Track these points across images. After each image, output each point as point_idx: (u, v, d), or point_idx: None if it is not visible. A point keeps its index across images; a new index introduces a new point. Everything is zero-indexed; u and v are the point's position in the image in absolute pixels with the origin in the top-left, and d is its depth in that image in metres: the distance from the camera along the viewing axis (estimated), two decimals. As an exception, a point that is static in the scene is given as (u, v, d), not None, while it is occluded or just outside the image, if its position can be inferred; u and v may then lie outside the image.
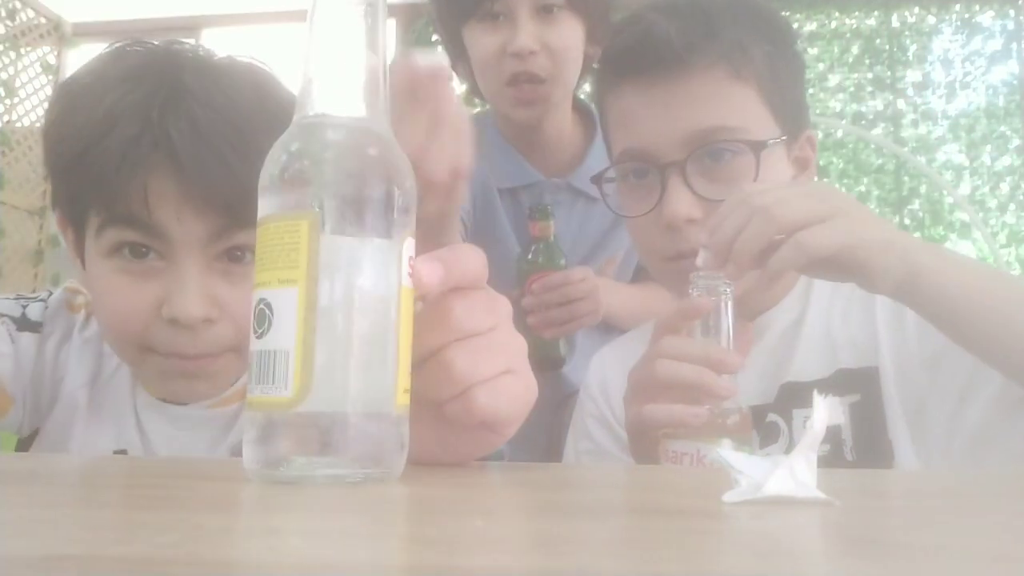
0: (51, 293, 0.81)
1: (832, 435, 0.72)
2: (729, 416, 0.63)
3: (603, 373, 0.90)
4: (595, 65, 0.96)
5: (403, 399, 0.40)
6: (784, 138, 0.78)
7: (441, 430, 0.44)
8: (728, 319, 0.64)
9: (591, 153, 1.18)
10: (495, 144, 1.18)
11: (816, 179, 0.85)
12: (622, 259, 1.21)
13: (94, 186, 0.66)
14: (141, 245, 0.67)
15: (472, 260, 0.44)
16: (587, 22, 1.08)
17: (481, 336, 0.43)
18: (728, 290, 0.64)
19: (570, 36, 1.07)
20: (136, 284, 0.67)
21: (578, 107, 1.21)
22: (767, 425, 0.75)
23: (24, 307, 0.78)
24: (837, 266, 0.60)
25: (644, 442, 0.67)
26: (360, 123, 0.42)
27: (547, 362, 1.09)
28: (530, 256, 1.09)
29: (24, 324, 0.76)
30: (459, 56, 1.13)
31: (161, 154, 0.64)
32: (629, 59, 0.80)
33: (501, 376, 0.44)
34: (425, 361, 0.42)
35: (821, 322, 0.80)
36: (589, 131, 1.20)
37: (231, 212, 0.65)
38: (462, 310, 0.43)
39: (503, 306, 0.46)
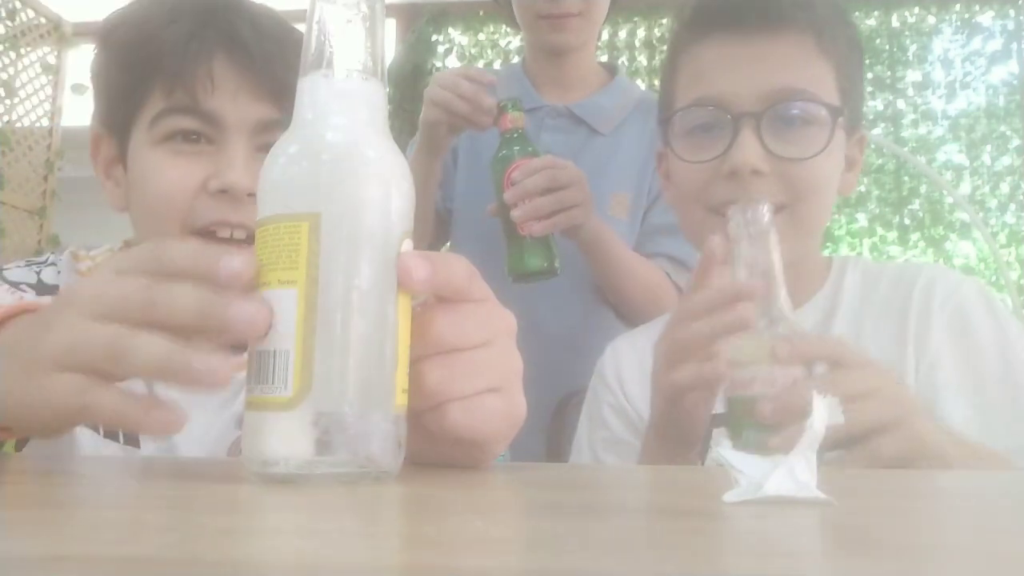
0: (53, 255, 0.82)
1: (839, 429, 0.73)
2: (778, 325, 0.61)
3: (617, 362, 0.90)
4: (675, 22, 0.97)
5: (401, 399, 0.40)
6: (849, 124, 0.80)
7: (429, 438, 0.44)
8: (769, 252, 0.61)
9: (601, 93, 1.24)
10: (513, 75, 1.28)
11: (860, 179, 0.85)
12: (631, 206, 1.20)
13: (157, 71, 0.72)
14: (194, 132, 0.72)
15: (457, 266, 0.43)
16: None
17: (464, 352, 0.42)
18: (768, 217, 0.61)
19: None
20: (187, 162, 0.72)
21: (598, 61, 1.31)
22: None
23: (38, 272, 0.79)
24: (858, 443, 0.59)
25: (678, 412, 0.66)
26: (357, 126, 0.42)
27: (537, 269, 1.00)
28: (503, 151, 1.03)
29: (43, 289, 0.78)
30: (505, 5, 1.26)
31: (224, 43, 0.71)
32: (726, 12, 0.81)
33: (481, 395, 0.43)
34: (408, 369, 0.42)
35: (851, 328, 0.80)
36: (605, 78, 1.27)
37: (281, 103, 0.71)
38: (444, 324, 0.42)
39: (501, 321, 0.45)
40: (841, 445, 0.58)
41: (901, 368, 0.75)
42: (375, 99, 0.43)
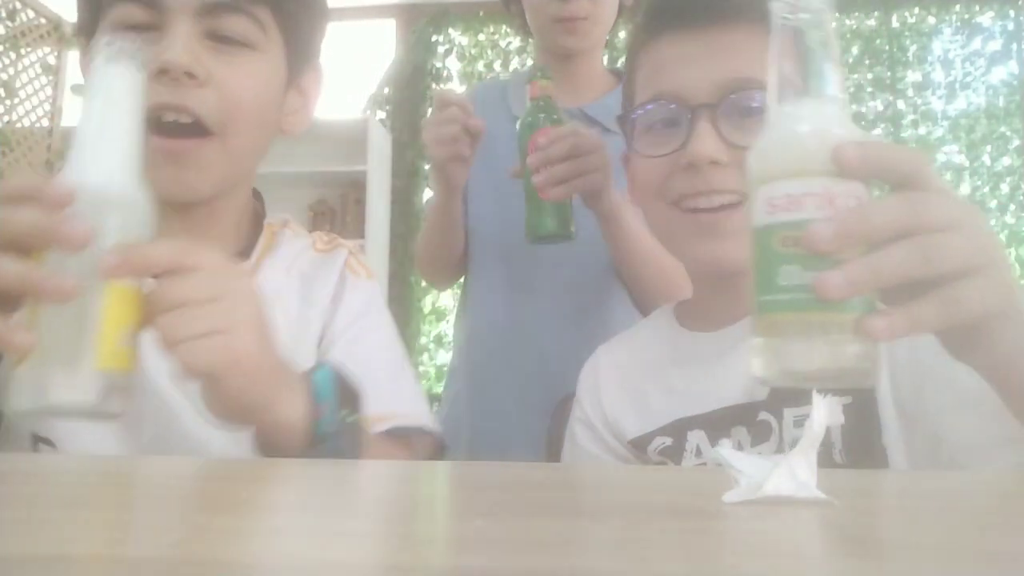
0: None
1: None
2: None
3: (596, 376, 0.89)
4: (632, 20, 0.99)
5: (109, 360, 0.51)
6: None
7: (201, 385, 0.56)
8: (827, 49, 0.47)
9: (611, 94, 1.25)
10: (523, 80, 1.28)
11: None
12: None
13: None
14: (143, 26, 0.71)
15: (156, 250, 0.54)
16: None
17: (188, 307, 0.53)
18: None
19: None
20: None
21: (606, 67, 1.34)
22: (759, 424, 0.74)
23: None
24: (961, 330, 0.48)
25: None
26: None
27: (552, 232, 1.03)
28: (530, 118, 1.06)
29: None
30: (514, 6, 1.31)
31: None
32: (677, 9, 0.81)
33: (205, 336, 0.53)
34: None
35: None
36: (613, 82, 1.29)
37: None
38: (168, 288, 0.53)
39: (231, 281, 0.57)
40: (920, 289, 0.44)
41: None
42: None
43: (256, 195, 0.90)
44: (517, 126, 1.08)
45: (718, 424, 0.77)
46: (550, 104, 1.07)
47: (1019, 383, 0.53)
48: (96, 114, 0.53)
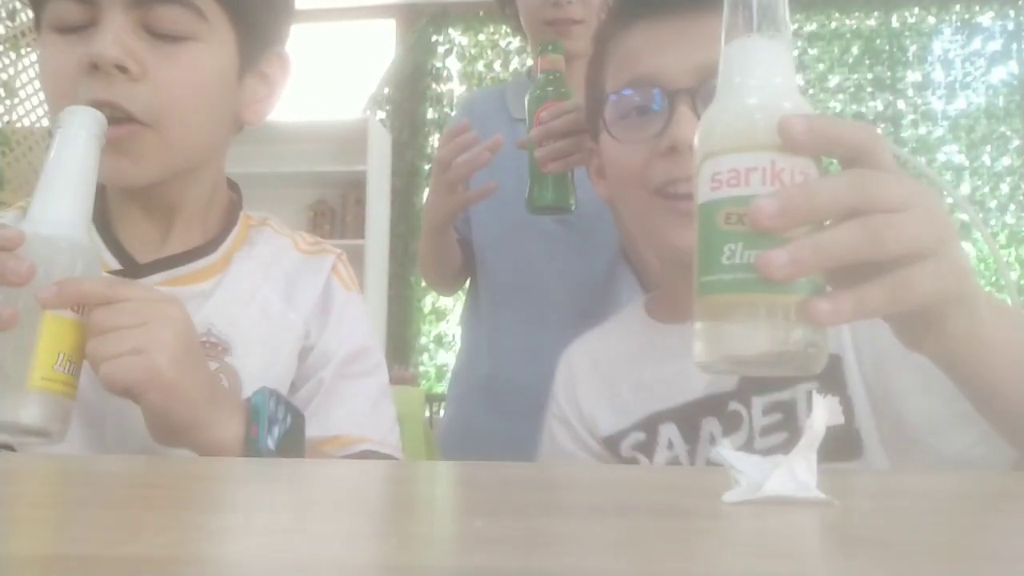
0: None
1: (789, 423, 0.70)
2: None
3: (571, 370, 0.88)
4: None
5: (45, 383, 0.58)
6: None
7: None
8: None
9: None
10: (519, 84, 1.34)
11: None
12: None
13: None
14: (80, 23, 0.70)
15: (89, 284, 0.60)
16: None
17: (117, 331, 0.59)
18: None
19: None
20: (68, 43, 0.70)
21: None
22: (729, 414, 0.73)
23: None
24: (913, 317, 0.48)
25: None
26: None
27: (552, 204, 1.05)
28: (538, 91, 1.08)
29: None
30: (507, 1, 1.33)
31: None
32: None
33: (125, 355, 0.59)
34: None
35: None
36: None
37: None
38: (98, 316, 0.59)
39: (157, 309, 0.61)
40: (869, 272, 0.43)
41: (837, 336, 0.72)
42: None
43: (233, 186, 0.89)
44: (526, 100, 1.09)
45: (689, 417, 0.76)
46: (558, 78, 1.08)
47: (973, 371, 0.52)
48: (53, 173, 0.62)
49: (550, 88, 1.07)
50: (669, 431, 0.77)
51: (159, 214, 0.79)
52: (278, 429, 0.66)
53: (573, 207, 1.06)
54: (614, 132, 0.80)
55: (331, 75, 4.23)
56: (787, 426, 0.70)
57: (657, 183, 0.76)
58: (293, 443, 0.67)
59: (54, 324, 0.59)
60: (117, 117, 0.68)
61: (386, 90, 4.27)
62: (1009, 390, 0.52)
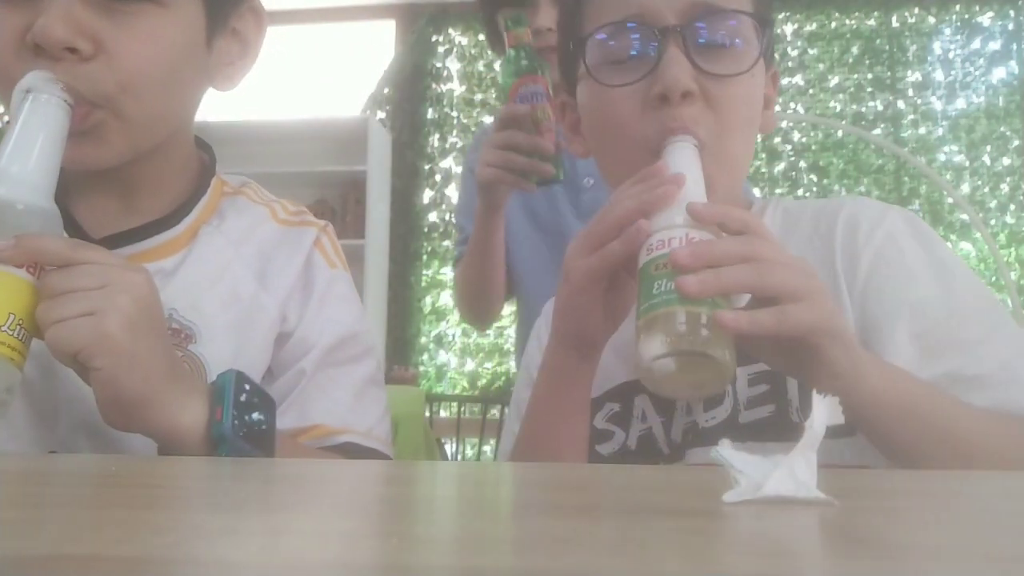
0: None
1: (777, 395, 0.69)
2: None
3: (547, 321, 0.82)
4: None
5: None
6: (766, 57, 0.74)
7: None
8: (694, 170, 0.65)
9: None
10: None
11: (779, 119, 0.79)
12: None
13: None
14: None
15: (48, 242, 0.57)
16: None
17: (71, 294, 0.55)
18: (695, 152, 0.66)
19: None
20: (10, 9, 0.63)
21: None
22: None
23: None
24: (794, 346, 0.58)
25: (582, 303, 0.66)
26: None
27: (539, 176, 1.09)
28: (511, 66, 1.10)
29: None
30: (496, 40, 1.32)
31: None
32: None
33: (76, 318, 0.54)
34: None
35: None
36: None
37: None
38: (53, 278, 0.56)
39: (117, 274, 0.57)
40: (753, 305, 0.58)
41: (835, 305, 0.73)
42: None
43: (204, 146, 0.80)
44: (499, 78, 1.15)
45: None
46: (528, 51, 1.10)
47: (855, 401, 0.60)
48: (13, 138, 0.59)
49: (523, 62, 1.09)
50: (642, 403, 0.75)
51: (120, 184, 0.72)
52: (245, 413, 0.61)
53: (560, 177, 1.10)
54: (598, 76, 0.73)
55: (331, 75, 4.23)
56: (774, 398, 0.69)
57: (651, 141, 0.69)
58: (261, 431, 0.62)
59: (6, 281, 0.55)
60: (69, 102, 0.62)
61: (386, 90, 4.27)
62: (893, 427, 0.60)
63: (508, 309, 1.52)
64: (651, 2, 0.70)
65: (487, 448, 3.41)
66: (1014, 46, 3.79)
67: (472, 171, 1.24)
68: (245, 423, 0.61)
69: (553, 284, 0.91)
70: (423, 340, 4.19)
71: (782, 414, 0.68)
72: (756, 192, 3.77)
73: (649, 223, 0.61)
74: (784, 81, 3.86)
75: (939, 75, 3.85)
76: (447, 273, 4.07)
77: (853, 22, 3.96)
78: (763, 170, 3.94)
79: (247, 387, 0.62)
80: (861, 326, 0.70)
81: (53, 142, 0.60)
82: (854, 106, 3.91)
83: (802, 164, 3.92)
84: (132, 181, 0.72)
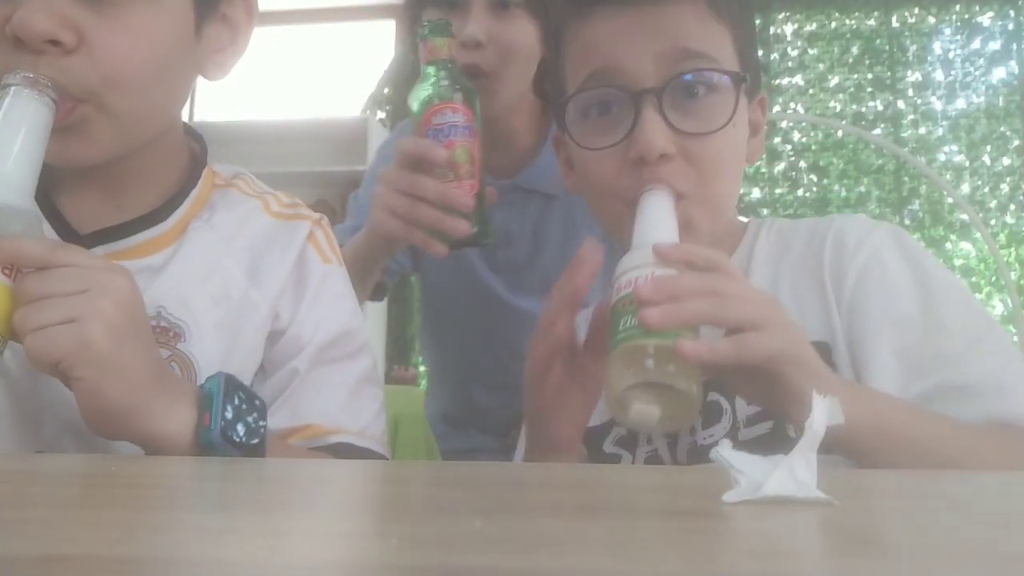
0: None
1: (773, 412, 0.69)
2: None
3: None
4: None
5: None
6: (750, 88, 0.76)
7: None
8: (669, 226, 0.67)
9: (542, 154, 1.12)
10: None
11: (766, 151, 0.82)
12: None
13: None
14: None
15: (28, 244, 0.54)
16: (543, 24, 1.01)
17: (49, 299, 0.53)
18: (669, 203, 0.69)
19: (522, 35, 1.02)
20: None
21: (536, 108, 1.13)
22: (709, 404, 0.71)
23: None
24: (759, 375, 0.59)
25: (545, 400, 0.68)
26: None
27: (467, 241, 0.86)
28: (428, 89, 0.85)
29: None
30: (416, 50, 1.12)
31: None
32: None
33: (54, 326, 0.52)
34: None
35: (767, 289, 0.74)
36: (542, 132, 1.13)
37: None
38: (31, 282, 0.54)
39: (98, 277, 0.55)
40: (719, 334, 0.59)
41: (827, 324, 0.72)
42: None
43: (194, 135, 0.77)
44: (410, 98, 0.88)
45: None
46: (449, 70, 0.86)
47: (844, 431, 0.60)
48: None
49: (443, 84, 0.85)
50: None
51: (107, 178, 0.70)
52: (234, 419, 0.59)
53: (487, 240, 0.88)
54: (576, 136, 0.75)
55: (331, 75, 4.23)
56: (773, 416, 0.69)
57: (630, 193, 0.71)
58: (251, 437, 0.60)
59: None
60: (53, 98, 0.59)
61: (386, 90, 4.27)
62: (874, 453, 0.60)
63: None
64: (625, 57, 0.72)
65: (487, 448, 3.40)
66: (1014, 46, 3.78)
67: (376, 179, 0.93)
68: (234, 429, 0.59)
69: (467, 293, 0.90)
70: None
71: (780, 431, 0.69)
72: (756, 192, 3.77)
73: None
74: (784, 81, 3.86)
75: (939, 75, 3.84)
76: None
77: (853, 22, 3.96)
78: (763, 170, 3.93)
79: (236, 391, 0.60)
80: (848, 342, 0.71)
81: (34, 140, 0.57)
82: (854, 106, 3.90)
83: (802, 164, 3.91)
84: (120, 175, 0.70)
